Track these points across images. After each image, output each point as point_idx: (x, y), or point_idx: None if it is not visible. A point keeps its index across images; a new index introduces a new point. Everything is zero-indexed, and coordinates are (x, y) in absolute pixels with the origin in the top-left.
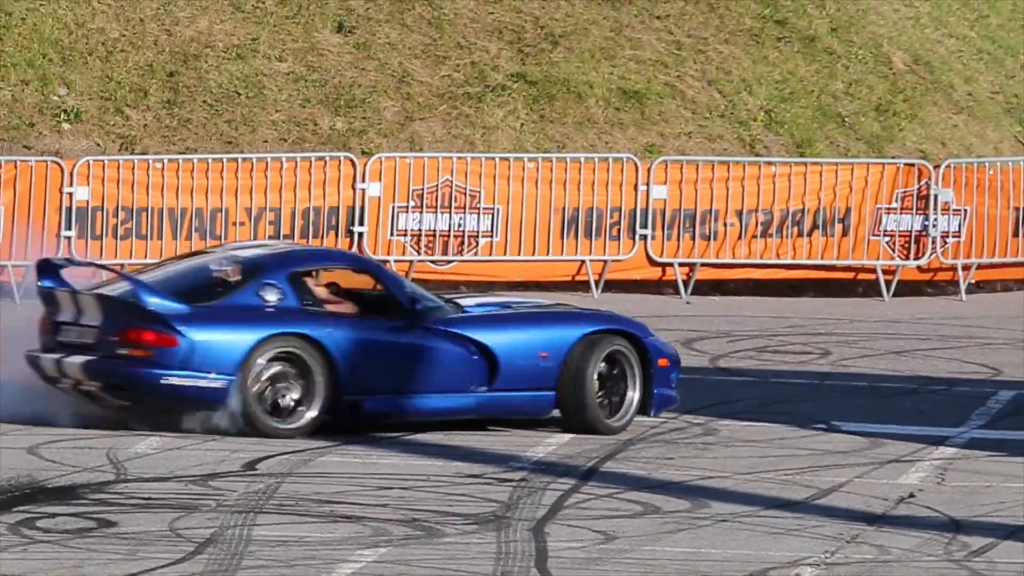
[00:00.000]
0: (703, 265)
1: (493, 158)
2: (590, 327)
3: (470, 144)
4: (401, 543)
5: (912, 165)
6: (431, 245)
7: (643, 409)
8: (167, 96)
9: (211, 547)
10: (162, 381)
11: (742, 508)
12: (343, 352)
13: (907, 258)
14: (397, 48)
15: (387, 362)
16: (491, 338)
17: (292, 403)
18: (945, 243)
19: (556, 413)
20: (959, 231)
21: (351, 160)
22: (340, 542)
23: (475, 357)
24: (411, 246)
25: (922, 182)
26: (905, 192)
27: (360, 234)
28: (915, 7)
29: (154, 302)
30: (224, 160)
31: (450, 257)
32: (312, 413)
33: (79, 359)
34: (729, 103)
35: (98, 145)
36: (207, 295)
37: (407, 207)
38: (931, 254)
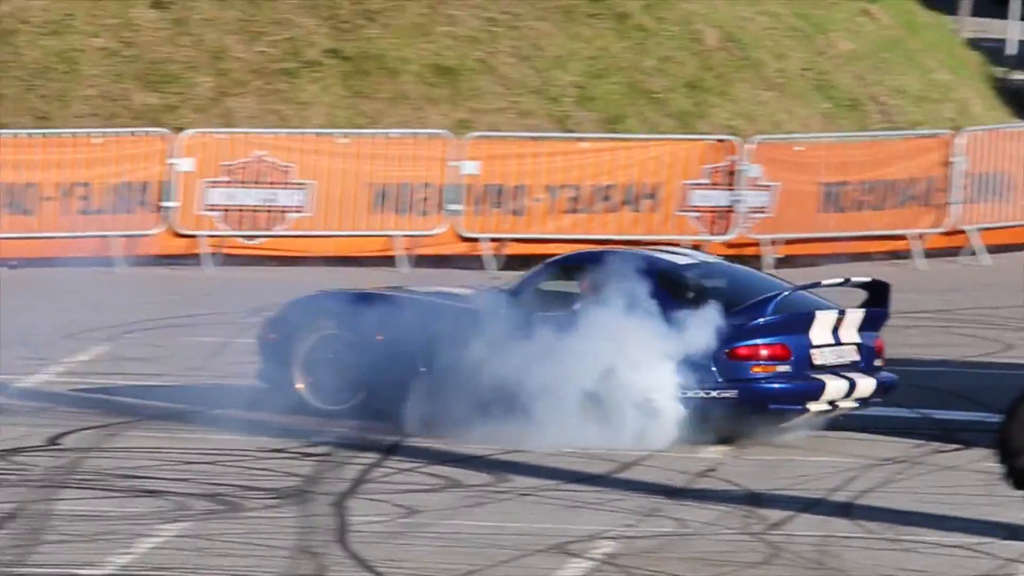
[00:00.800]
0: (512, 240)
1: (306, 134)
2: None
3: (283, 120)
4: (202, 517)
5: (721, 141)
6: (242, 220)
7: None
8: None
9: (12, 522)
10: None
11: (543, 482)
12: None
13: (715, 233)
14: (213, 24)
15: None
16: None
17: None
18: (753, 218)
19: None
20: (766, 206)
21: (163, 136)
22: (141, 516)
23: None
24: (221, 221)
25: (730, 158)
26: (714, 168)
27: (170, 209)
28: None
29: None
30: (36, 135)
31: (260, 232)
32: None
33: None
34: (541, 79)
35: None
36: None
37: (218, 182)
38: (738, 229)
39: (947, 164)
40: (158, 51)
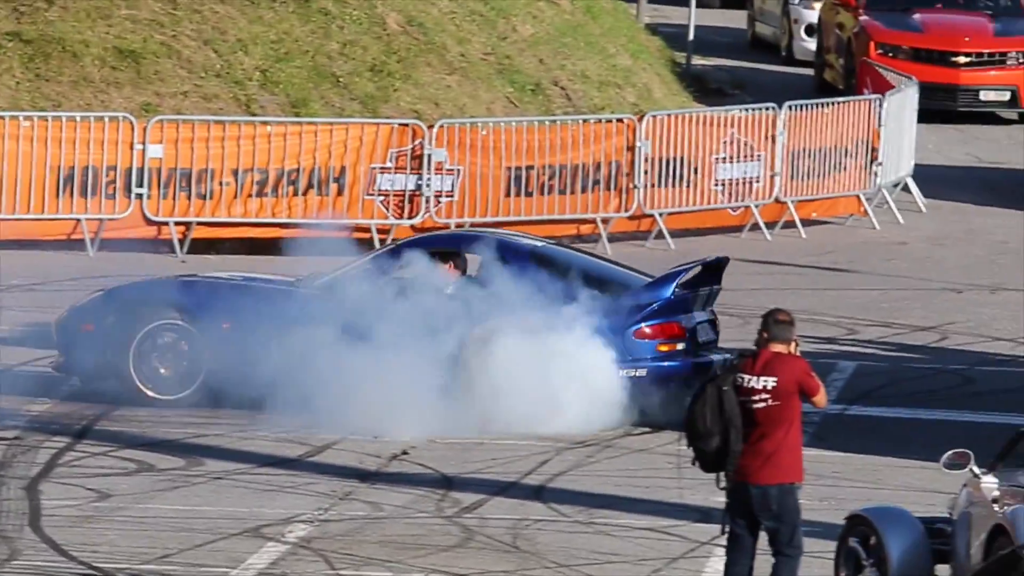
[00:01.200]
0: (199, 224)
1: None
2: None
3: None
4: None
5: (406, 125)
6: None
7: None
8: None
9: None
10: None
11: (236, 466)
12: None
13: (401, 217)
14: None
15: None
16: None
17: None
18: (439, 202)
19: None
20: (452, 190)
21: None
22: None
23: None
24: None
25: (416, 142)
26: (399, 152)
27: None
28: None
29: None
30: None
31: None
32: None
33: None
34: (225, 63)
35: None
36: None
37: None
38: (425, 213)
39: (632, 148)
40: None
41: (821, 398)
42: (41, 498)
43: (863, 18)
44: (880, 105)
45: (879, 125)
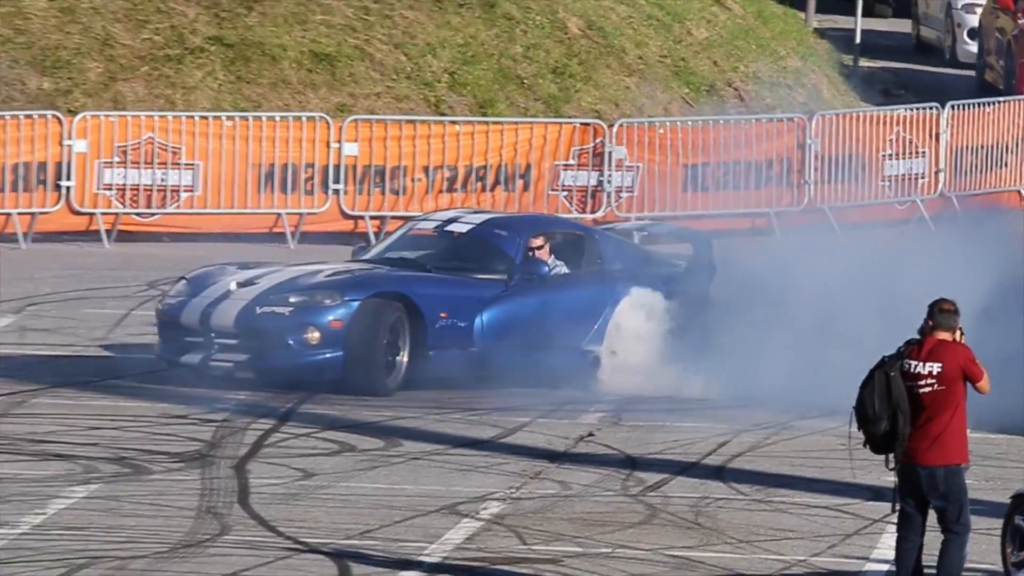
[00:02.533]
0: (392, 218)
1: (193, 116)
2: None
3: (171, 103)
4: (111, 480)
5: (587, 124)
6: (135, 199)
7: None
8: None
9: None
10: None
11: (432, 447)
12: None
13: (584, 211)
14: (100, 12)
15: None
16: None
17: None
18: (620, 197)
19: None
20: (632, 186)
21: (58, 118)
22: (53, 479)
23: None
24: (116, 200)
25: (597, 140)
26: (581, 149)
27: (68, 188)
28: None
29: None
30: None
31: (154, 210)
32: None
33: None
34: (415, 65)
35: None
36: None
37: (112, 163)
38: (606, 207)
39: (802, 146)
40: (49, 38)
41: (985, 384)
42: (249, 477)
43: (1021, 22)
44: None
45: None
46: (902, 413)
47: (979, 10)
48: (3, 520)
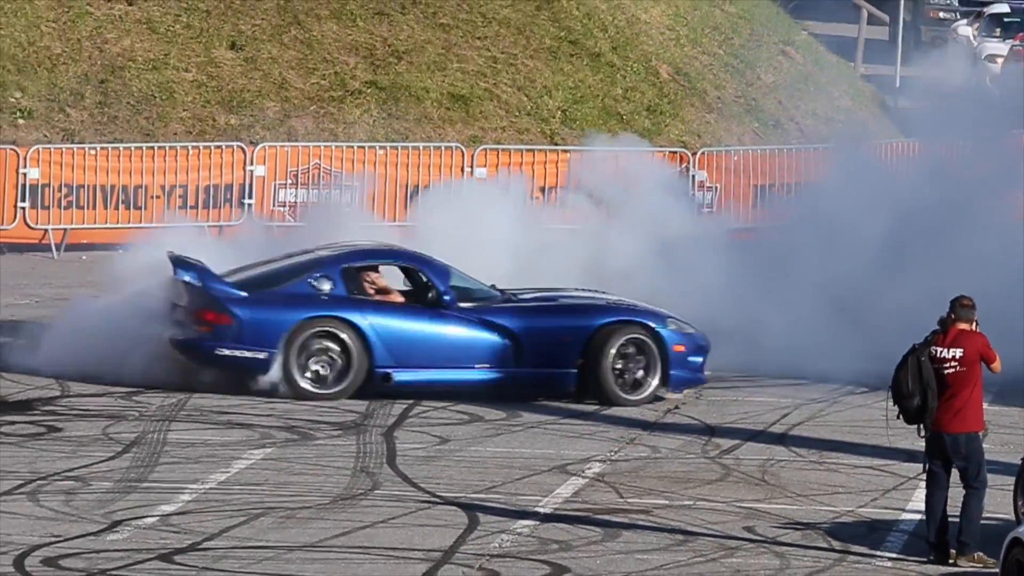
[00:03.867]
0: None
1: (352, 146)
2: (607, 318)
3: (334, 136)
4: (283, 444)
5: (675, 152)
6: (303, 213)
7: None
8: (99, 99)
9: (135, 447)
10: (216, 352)
11: (546, 417)
12: (376, 332)
13: None
14: (277, 61)
15: (414, 341)
16: (518, 324)
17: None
18: (702, 212)
19: None
20: (712, 203)
21: (242, 148)
22: (236, 444)
23: (502, 339)
24: (289, 215)
25: (683, 165)
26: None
27: (250, 205)
28: (677, 31)
29: (217, 288)
30: (144, 148)
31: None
32: (346, 381)
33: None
34: (534, 104)
35: (46, 136)
36: (268, 285)
37: (286, 184)
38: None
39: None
40: (235, 83)
41: (997, 365)
42: (396, 442)
43: None
44: None
45: None
46: (931, 391)
47: (1000, 60)
48: (195, 477)
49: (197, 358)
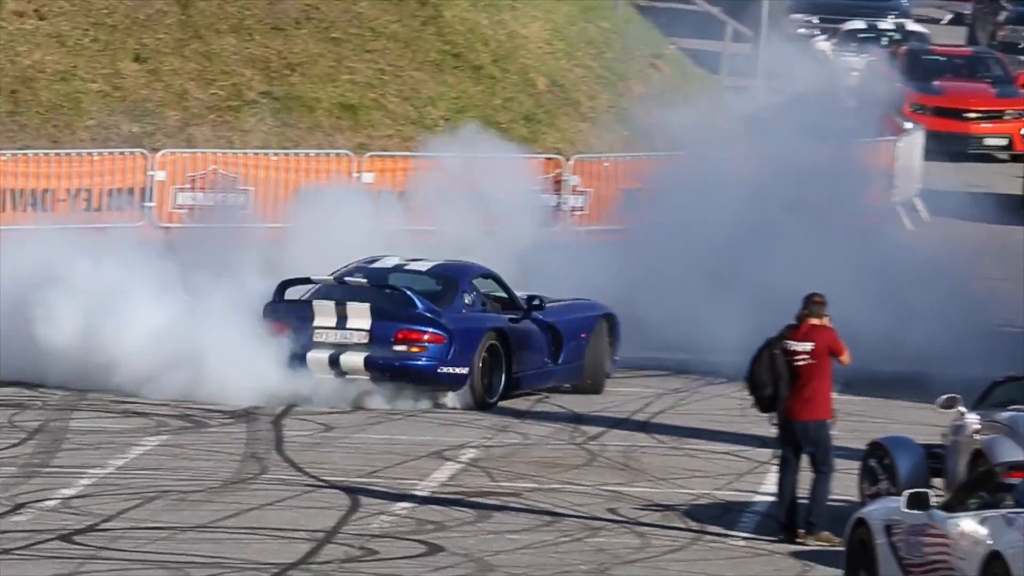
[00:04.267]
0: None
1: (248, 153)
2: (601, 311)
3: (231, 143)
4: (177, 432)
5: (550, 159)
6: (201, 216)
7: None
8: (10, 108)
9: (39, 435)
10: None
11: (425, 406)
12: (513, 341)
13: (546, 226)
14: (179, 73)
15: (529, 347)
16: (559, 322)
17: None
18: (574, 214)
19: None
20: (583, 206)
21: (144, 155)
22: (133, 431)
23: (557, 337)
24: (187, 217)
25: (557, 171)
26: (545, 178)
27: (149, 208)
28: (554, 45)
29: (427, 307)
30: (51, 154)
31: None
32: (500, 389)
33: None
34: (419, 114)
35: None
36: (436, 301)
37: (184, 188)
38: (564, 223)
39: None
40: (138, 93)
41: (846, 358)
42: (284, 430)
43: None
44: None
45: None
46: (783, 381)
47: (855, 74)
48: (95, 463)
49: (407, 378)
